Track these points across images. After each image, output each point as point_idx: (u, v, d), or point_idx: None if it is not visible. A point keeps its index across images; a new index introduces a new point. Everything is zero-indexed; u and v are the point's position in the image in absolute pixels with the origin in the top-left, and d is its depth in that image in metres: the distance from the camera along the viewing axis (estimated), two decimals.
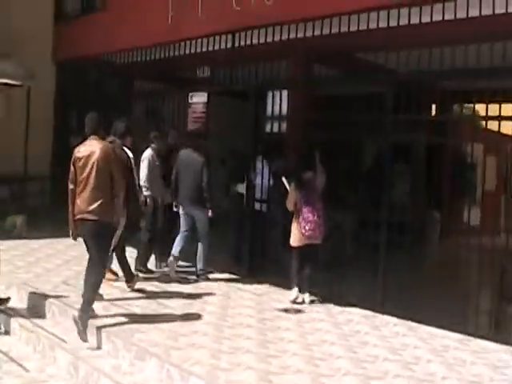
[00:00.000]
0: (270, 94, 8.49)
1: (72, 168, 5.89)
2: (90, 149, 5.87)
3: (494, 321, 6.28)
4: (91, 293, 5.81)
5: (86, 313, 5.66)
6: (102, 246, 5.92)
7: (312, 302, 7.37)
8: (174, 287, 7.84)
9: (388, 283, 7.05)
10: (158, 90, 10.83)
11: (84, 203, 5.75)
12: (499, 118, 6.17)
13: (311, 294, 7.42)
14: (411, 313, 6.73)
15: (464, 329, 6.28)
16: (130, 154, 7.48)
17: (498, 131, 6.22)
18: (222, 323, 6.26)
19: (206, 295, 7.49)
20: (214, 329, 6.03)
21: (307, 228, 7.12)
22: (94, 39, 11.85)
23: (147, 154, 8.42)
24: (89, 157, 5.80)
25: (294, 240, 7.35)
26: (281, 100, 8.31)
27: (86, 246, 5.97)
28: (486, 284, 6.22)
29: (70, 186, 5.88)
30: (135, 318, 6.18)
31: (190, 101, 9.78)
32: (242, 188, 8.95)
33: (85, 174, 5.78)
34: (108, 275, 7.35)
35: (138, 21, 10.67)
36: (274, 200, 8.49)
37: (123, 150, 7.42)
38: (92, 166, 5.77)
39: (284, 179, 7.63)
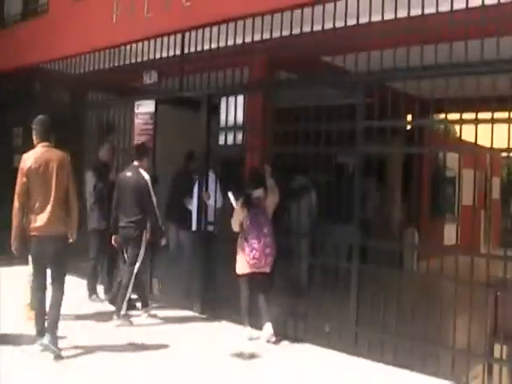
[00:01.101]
0: (224, 102, 7.39)
1: (24, 179, 5.34)
2: (46, 158, 5.39)
3: (486, 367, 5.16)
4: (59, 312, 5.46)
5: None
6: (64, 263, 5.59)
7: (269, 341, 6.24)
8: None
9: (360, 320, 5.95)
10: (105, 101, 9.62)
11: (44, 219, 5.32)
12: (475, 122, 5.27)
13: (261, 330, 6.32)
14: (389, 357, 5.62)
15: (453, 377, 5.19)
16: (147, 176, 6.96)
17: (475, 142, 5.27)
18: (160, 370, 5.18)
19: (148, 337, 6.32)
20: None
21: (251, 256, 6.13)
22: (37, 46, 10.65)
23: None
24: (46, 167, 5.34)
25: (240, 267, 6.34)
26: (236, 107, 7.20)
27: (40, 263, 5.47)
28: (476, 320, 5.15)
29: (20, 200, 5.35)
30: None
31: (136, 110, 8.64)
32: (190, 203, 7.87)
33: (42, 187, 5.34)
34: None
35: (81, 23, 9.56)
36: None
37: (139, 172, 6.96)
38: (51, 178, 5.34)
39: (230, 195, 6.54)
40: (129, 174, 7.04)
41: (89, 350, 5.66)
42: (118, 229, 6.96)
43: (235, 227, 6.33)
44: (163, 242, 7.30)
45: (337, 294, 6.11)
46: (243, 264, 6.22)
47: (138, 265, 6.83)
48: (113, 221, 7.03)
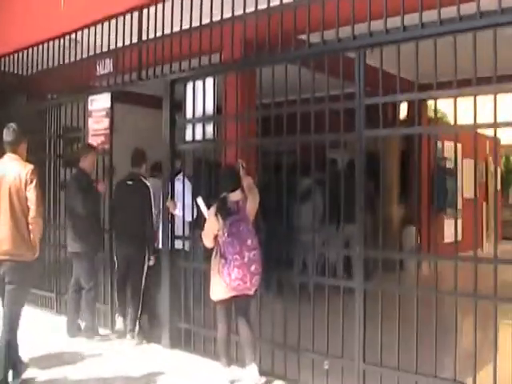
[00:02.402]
0: (190, 88, 6.04)
1: None
2: (6, 171, 4.83)
3: None
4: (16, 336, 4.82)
5: None
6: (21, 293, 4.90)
7: None
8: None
9: (368, 353, 4.59)
10: (57, 100, 8.20)
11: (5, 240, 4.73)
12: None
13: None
14: None
15: None
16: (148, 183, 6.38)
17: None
18: None
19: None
20: None
21: (233, 276, 4.70)
22: None
23: None
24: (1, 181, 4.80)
25: (216, 292, 4.94)
26: (205, 93, 5.85)
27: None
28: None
29: None
30: None
31: (90, 107, 7.27)
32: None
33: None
34: None
35: (27, 14, 8.22)
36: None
37: (141, 180, 6.38)
38: (10, 193, 4.75)
39: (200, 201, 5.16)
40: (129, 182, 6.47)
41: None
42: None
43: (208, 242, 4.97)
44: (152, 261, 6.31)
45: (337, 317, 4.74)
46: (221, 287, 4.83)
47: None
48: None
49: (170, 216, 6.15)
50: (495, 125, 4.05)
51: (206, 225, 4.98)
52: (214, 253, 4.91)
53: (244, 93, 5.62)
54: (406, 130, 4.64)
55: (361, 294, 4.57)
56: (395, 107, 5.76)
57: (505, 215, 16.43)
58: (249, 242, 4.76)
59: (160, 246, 6.28)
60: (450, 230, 10.26)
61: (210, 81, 5.84)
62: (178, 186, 6.16)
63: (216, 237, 4.86)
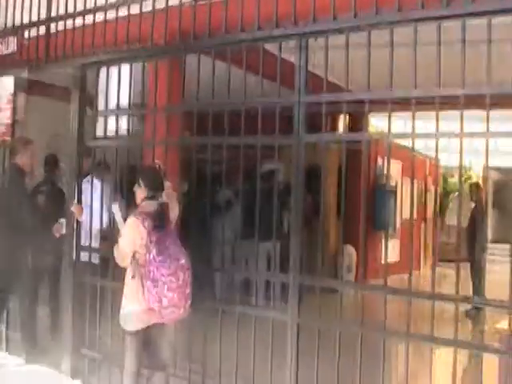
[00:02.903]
0: (104, 73, 5.18)
1: None
2: None
3: None
4: None
5: None
6: None
7: None
8: None
9: None
10: None
11: None
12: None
13: None
14: None
15: None
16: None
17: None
18: None
19: None
20: None
21: (166, 303, 3.83)
22: None
23: None
24: None
25: (132, 320, 4.02)
26: (120, 81, 4.99)
27: None
28: None
29: None
30: None
31: None
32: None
33: None
34: None
35: None
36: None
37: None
38: None
39: (116, 208, 4.25)
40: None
41: None
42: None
43: (124, 260, 4.03)
44: None
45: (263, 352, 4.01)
46: (141, 316, 3.97)
47: None
48: None
49: (75, 223, 5.25)
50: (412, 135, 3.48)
51: (123, 238, 4.03)
52: (131, 273, 4.03)
53: (165, 84, 4.76)
54: (350, 135, 3.93)
55: (294, 328, 3.85)
56: (334, 119, 5.10)
57: (442, 238, 16.33)
58: (183, 260, 3.94)
59: None
60: (390, 250, 9.88)
61: (126, 67, 4.99)
62: (86, 188, 5.28)
63: (134, 256, 4.00)
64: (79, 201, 5.25)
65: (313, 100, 3.87)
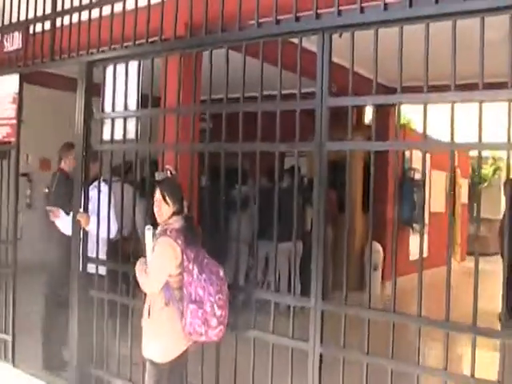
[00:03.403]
0: (111, 72, 4.81)
1: None
2: None
3: None
4: None
5: None
6: None
7: None
8: None
9: None
10: None
11: None
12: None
13: None
14: None
15: None
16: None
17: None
18: None
19: None
20: None
21: (215, 322, 3.49)
22: None
23: None
24: None
25: (167, 351, 3.63)
26: (127, 79, 4.61)
27: None
28: None
29: None
30: None
31: None
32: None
33: None
34: None
35: None
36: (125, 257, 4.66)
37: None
38: None
39: (149, 231, 3.76)
40: None
41: None
42: None
43: (157, 285, 3.60)
44: None
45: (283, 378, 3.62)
46: (176, 344, 3.63)
47: None
48: None
49: (82, 232, 4.91)
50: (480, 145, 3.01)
51: (157, 262, 3.61)
52: (163, 299, 3.60)
53: (176, 83, 4.35)
54: (379, 144, 3.49)
55: (316, 358, 3.45)
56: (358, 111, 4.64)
57: (470, 230, 15.79)
58: (221, 273, 3.60)
59: None
60: (416, 246, 9.49)
61: (134, 65, 4.61)
62: (94, 195, 4.93)
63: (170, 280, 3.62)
64: (85, 209, 4.91)
65: (337, 103, 3.44)
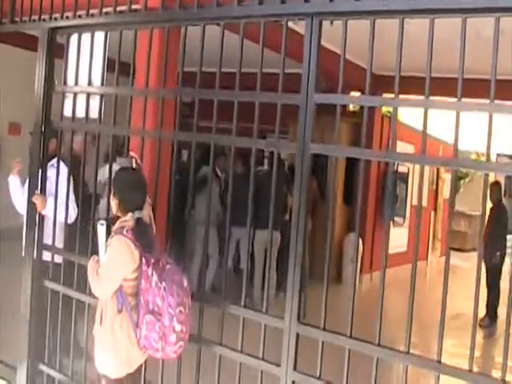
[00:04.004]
0: (75, 42, 4.32)
1: None
2: None
3: None
4: None
5: None
6: None
7: None
8: None
9: None
10: None
11: None
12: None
13: None
14: None
15: None
16: None
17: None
18: None
19: None
20: None
21: (174, 339, 3.08)
22: None
23: None
24: None
25: (119, 365, 3.26)
26: (92, 51, 4.13)
27: None
28: None
29: None
30: None
31: None
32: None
33: None
34: None
35: None
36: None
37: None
38: None
39: (101, 227, 3.43)
40: None
41: None
42: None
43: (107, 290, 3.24)
44: None
45: None
46: (130, 358, 3.26)
47: None
48: None
49: (38, 216, 4.49)
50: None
51: (110, 264, 3.22)
52: (115, 306, 3.23)
53: (148, 61, 3.89)
54: (367, 153, 3.11)
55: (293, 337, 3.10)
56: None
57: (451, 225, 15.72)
58: (185, 283, 3.20)
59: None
60: (397, 239, 9.48)
61: (100, 36, 4.13)
62: (52, 174, 4.50)
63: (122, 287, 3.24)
64: (42, 190, 4.48)
65: (325, 100, 3.03)
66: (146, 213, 3.32)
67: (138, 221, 3.20)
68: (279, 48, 3.16)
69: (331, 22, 2.95)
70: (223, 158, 8.01)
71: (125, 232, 3.17)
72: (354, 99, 3.11)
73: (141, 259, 3.14)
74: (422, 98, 2.74)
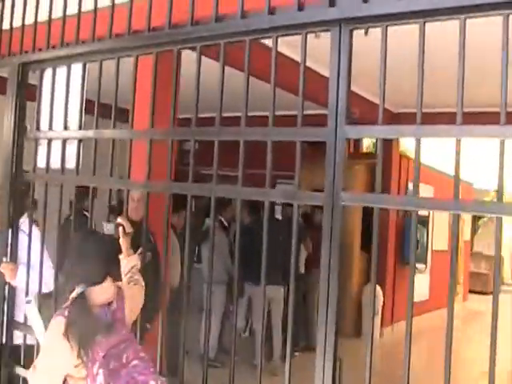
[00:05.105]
0: (48, 77, 3.63)
1: None
2: None
3: None
4: None
5: None
6: None
7: None
8: None
9: None
10: None
11: None
12: None
13: None
14: None
15: None
16: None
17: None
18: None
19: None
20: None
21: None
22: None
23: None
24: None
25: None
26: (68, 88, 3.42)
27: None
28: None
29: None
30: None
31: None
32: None
33: None
34: None
35: None
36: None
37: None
38: None
39: (31, 307, 2.74)
40: None
41: None
42: None
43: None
44: None
45: None
46: None
47: None
48: None
49: (7, 287, 3.71)
50: None
51: (45, 357, 2.39)
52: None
53: (133, 94, 3.17)
54: (400, 199, 2.35)
55: None
56: None
57: (471, 267, 15.01)
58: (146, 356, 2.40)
59: None
60: (418, 287, 8.53)
61: (77, 68, 3.43)
62: (23, 238, 3.74)
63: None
64: (11, 255, 3.71)
65: (358, 134, 2.28)
66: (108, 294, 2.49)
67: (75, 303, 2.39)
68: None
69: (366, 31, 2.20)
70: (230, 207, 7.25)
71: (66, 313, 2.37)
72: (395, 130, 2.31)
73: (85, 351, 2.31)
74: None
